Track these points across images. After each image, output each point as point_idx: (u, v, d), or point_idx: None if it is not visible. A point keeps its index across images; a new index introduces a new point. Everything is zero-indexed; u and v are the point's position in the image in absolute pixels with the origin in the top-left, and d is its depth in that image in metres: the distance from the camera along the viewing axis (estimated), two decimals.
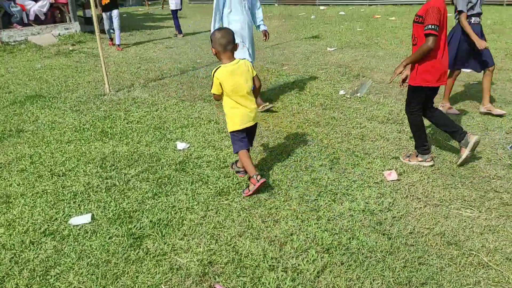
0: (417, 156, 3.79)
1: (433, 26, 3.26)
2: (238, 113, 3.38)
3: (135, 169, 3.89)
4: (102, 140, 4.69)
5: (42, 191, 3.57)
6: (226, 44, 3.23)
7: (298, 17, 17.05)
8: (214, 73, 3.31)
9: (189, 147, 4.38)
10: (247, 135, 3.50)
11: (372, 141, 4.36)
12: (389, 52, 8.96)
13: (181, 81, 7.35)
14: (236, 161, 3.80)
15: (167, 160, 4.09)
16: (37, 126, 5.29)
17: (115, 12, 10.81)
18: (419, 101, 3.61)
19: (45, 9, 12.44)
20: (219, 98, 3.44)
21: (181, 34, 13.04)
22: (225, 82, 3.28)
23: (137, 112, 5.69)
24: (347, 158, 3.97)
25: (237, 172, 3.74)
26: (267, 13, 19.11)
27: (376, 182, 3.51)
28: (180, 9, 13.64)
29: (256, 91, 3.60)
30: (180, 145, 4.41)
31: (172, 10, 13.34)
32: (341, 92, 6.09)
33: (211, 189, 3.51)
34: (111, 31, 11.32)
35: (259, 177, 3.29)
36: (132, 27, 15.45)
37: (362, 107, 5.43)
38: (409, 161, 3.81)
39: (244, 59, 3.44)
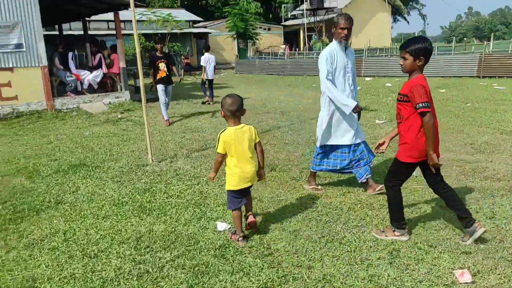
0: (394, 231, 3.68)
1: (423, 104, 3.28)
2: (236, 174, 3.63)
3: (171, 253, 3.56)
4: (139, 217, 4.43)
5: (70, 276, 3.28)
6: (235, 111, 3.60)
7: None
8: (220, 134, 3.62)
9: (230, 228, 4.04)
10: (245, 193, 3.78)
11: (436, 230, 3.86)
12: (443, 125, 8.52)
13: None
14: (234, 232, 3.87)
15: (206, 243, 3.75)
16: (76, 198, 5.15)
17: (169, 88, 10.19)
18: (402, 176, 3.67)
19: (98, 79, 13.00)
20: (222, 158, 3.66)
21: (212, 102, 13.78)
22: (229, 144, 3.57)
23: (177, 185, 5.47)
24: (409, 251, 3.47)
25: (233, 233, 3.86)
26: (312, 83, 19.28)
27: (446, 285, 2.99)
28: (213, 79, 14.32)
29: (260, 157, 3.79)
30: (221, 226, 4.08)
31: (208, 80, 13.99)
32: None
33: (253, 282, 3.10)
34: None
35: (240, 239, 3.68)
36: (179, 96, 15.86)
37: (420, 188, 4.96)
38: (386, 236, 3.69)
39: (250, 125, 3.74)
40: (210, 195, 5.01)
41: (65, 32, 21.01)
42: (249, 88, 18.94)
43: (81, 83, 12.78)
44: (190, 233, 3.96)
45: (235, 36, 35.27)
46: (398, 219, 3.65)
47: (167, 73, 9.89)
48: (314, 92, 16.03)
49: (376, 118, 9.75)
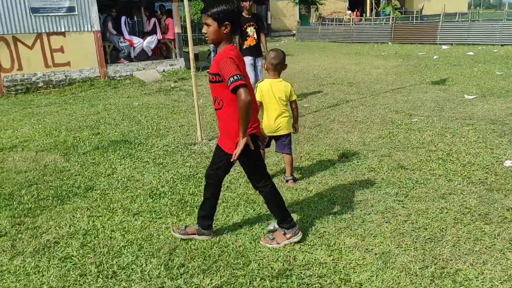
0: (284, 234, 3.01)
1: (236, 77, 2.57)
2: (265, 120, 3.93)
3: (211, 279, 2.61)
4: (177, 216, 3.54)
5: None
6: (276, 64, 3.84)
7: (417, 57, 15.21)
8: (257, 83, 3.99)
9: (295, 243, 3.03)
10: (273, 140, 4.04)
11: None
12: None
13: None
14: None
15: (259, 264, 2.77)
16: (110, 183, 4.35)
17: (260, 62, 7.34)
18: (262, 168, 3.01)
19: (152, 45, 12.26)
20: (260, 105, 3.82)
21: None
22: (264, 92, 3.86)
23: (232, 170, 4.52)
24: None
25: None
26: (381, 52, 17.53)
27: None
28: None
29: (294, 113, 4.10)
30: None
31: None
32: (507, 164, 4.34)
33: None
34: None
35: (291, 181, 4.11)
36: None
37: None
38: (278, 243, 2.99)
39: (288, 83, 3.99)
40: None
41: None
42: (311, 55, 17.55)
43: (134, 50, 12.09)
44: (239, 246, 3.00)
45: (297, 1, 33.43)
46: (284, 218, 3.01)
47: (257, 40, 7.31)
48: (384, 61, 14.42)
49: (464, 92, 8.22)
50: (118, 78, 11.70)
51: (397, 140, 5.41)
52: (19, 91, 10.40)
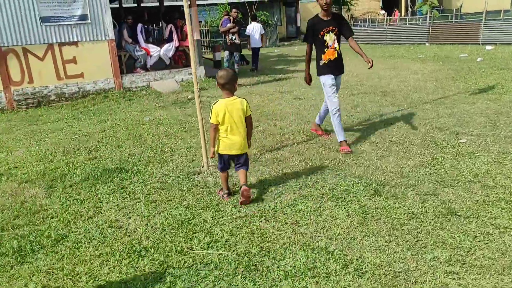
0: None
1: None
2: (223, 141, 3.92)
3: None
4: None
5: None
6: (224, 83, 3.83)
7: (459, 60, 13.91)
8: (212, 105, 3.88)
9: None
10: (233, 160, 4.03)
11: None
12: None
13: (305, 155, 5.19)
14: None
15: None
16: (86, 231, 3.56)
17: (340, 80, 5.69)
18: None
19: (170, 53, 11.58)
20: (214, 128, 3.89)
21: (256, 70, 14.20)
22: (220, 113, 3.81)
23: (230, 215, 3.66)
24: None
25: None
26: (418, 54, 16.27)
27: None
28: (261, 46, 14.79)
29: (248, 129, 4.00)
30: None
31: (253, 48, 14.42)
32: None
33: None
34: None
35: (225, 195, 4.06)
36: (261, 71, 14.01)
37: None
38: None
39: (243, 98, 3.93)
40: (275, 247, 3.11)
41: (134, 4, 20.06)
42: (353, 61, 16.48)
43: (150, 58, 11.42)
44: None
45: None
46: None
47: (339, 52, 5.38)
48: (422, 64, 13.23)
49: None
50: (134, 89, 11.06)
51: (443, 170, 4.40)
52: (30, 105, 9.90)
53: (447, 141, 5.37)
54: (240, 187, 3.92)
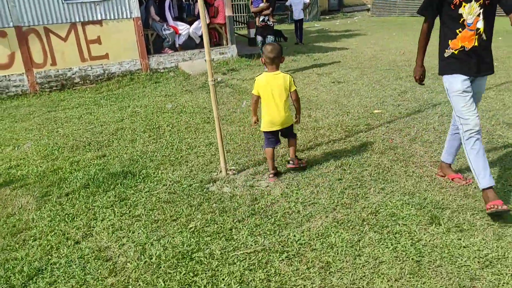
0: None
1: None
2: (266, 117, 3.89)
3: None
4: None
5: None
6: (273, 58, 3.75)
7: None
8: (256, 77, 3.90)
9: None
10: (277, 135, 3.98)
11: None
12: None
13: (343, 158, 4.32)
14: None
15: None
16: (67, 265, 2.91)
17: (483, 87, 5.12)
18: None
19: (200, 32, 10.74)
20: (255, 99, 3.91)
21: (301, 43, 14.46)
22: (261, 87, 3.82)
23: (246, 245, 2.89)
24: None
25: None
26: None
27: None
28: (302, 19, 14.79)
29: (296, 105, 3.99)
30: None
31: (296, 20, 14.75)
32: None
33: None
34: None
35: (271, 176, 3.99)
36: (298, 49, 12.97)
37: None
38: None
39: (287, 73, 3.86)
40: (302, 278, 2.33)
41: None
42: (387, 35, 15.14)
43: (179, 38, 10.66)
44: None
45: None
46: None
47: (484, 37, 3.12)
48: None
49: None
50: (161, 71, 10.39)
51: None
52: (54, 88, 9.43)
53: None
54: (288, 162, 4.14)
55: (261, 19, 8.83)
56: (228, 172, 4.23)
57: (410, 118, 5.49)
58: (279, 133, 3.98)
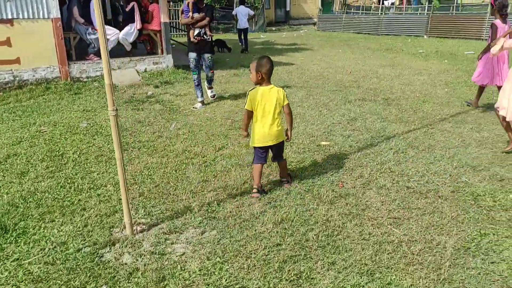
0: None
1: None
2: (260, 132, 3.72)
3: None
4: None
5: None
6: (266, 71, 3.69)
7: (466, 58, 12.25)
8: (248, 92, 3.73)
9: None
10: (268, 150, 3.84)
11: None
12: None
13: (283, 217, 3.45)
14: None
15: None
16: None
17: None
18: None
19: (131, 38, 9.61)
20: (248, 114, 3.74)
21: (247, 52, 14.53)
22: (255, 102, 3.68)
23: None
24: None
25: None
26: (417, 48, 14.55)
27: None
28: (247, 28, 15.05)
29: (287, 119, 3.83)
30: None
31: (240, 29, 14.98)
32: None
33: None
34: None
35: (254, 191, 3.75)
36: (242, 61, 12.13)
37: None
38: None
39: (281, 88, 3.80)
40: None
41: None
42: (333, 51, 14.69)
43: (107, 43, 9.45)
44: None
45: None
46: None
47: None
48: (425, 62, 11.52)
49: None
50: (84, 80, 9.13)
51: (504, 266, 2.70)
52: None
53: (493, 193, 3.68)
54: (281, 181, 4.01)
55: (195, 33, 6.82)
56: (134, 228, 3.22)
57: (362, 154, 4.74)
58: (270, 149, 3.85)
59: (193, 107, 7.02)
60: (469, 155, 4.61)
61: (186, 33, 12.59)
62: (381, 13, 23.25)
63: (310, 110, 6.71)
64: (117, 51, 9.98)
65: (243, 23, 14.89)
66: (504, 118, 4.57)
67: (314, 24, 28.48)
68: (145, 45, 10.54)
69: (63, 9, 9.38)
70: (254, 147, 3.80)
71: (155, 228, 3.25)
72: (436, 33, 18.89)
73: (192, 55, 6.97)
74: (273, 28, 28.01)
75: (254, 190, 3.76)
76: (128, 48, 9.77)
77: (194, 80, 7.13)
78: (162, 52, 10.08)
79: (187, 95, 7.94)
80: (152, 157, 4.78)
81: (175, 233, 3.18)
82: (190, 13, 6.83)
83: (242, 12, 14.92)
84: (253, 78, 3.74)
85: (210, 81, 7.47)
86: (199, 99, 7.13)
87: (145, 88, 8.69)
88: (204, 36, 6.90)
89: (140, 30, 9.71)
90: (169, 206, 3.61)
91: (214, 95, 7.49)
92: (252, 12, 15.46)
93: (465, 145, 4.93)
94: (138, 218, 3.40)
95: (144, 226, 3.28)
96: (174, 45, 13.60)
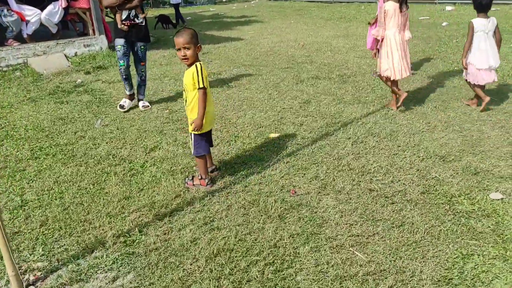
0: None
1: None
2: (210, 113, 3.30)
3: None
4: None
5: None
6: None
7: (421, 24, 11.82)
8: (200, 66, 3.14)
9: None
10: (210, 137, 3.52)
11: None
12: None
13: (219, 245, 2.76)
14: (193, 177, 3.50)
15: None
16: None
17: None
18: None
19: (55, 18, 8.47)
20: (205, 94, 3.18)
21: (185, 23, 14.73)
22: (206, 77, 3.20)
23: None
24: None
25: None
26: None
27: None
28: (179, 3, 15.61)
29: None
30: None
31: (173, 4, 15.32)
32: None
33: None
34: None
35: (209, 184, 3.39)
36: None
37: None
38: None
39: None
40: None
41: None
42: (285, 23, 13.92)
43: (26, 26, 8.29)
44: None
45: None
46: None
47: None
48: None
49: None
50: (4, 69, 7.99)
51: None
52: None
53: (467, 193, 3.12)
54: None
55: (123, 16, 5.25)
56: (26, 278, 2.44)
57: (317, 147, 4.09)
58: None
59: (120, 105, 5.60)
60: (437, 142, 4.05)
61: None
62: None
63: (259, 93, 5.99)
64: (43, 34, 8.82)
65: None
66: (388, 78, 4.82)
67: None
68: (73, 25, 9.38)
69: None
70: (202, 134, 3.31)
71: (53, 276, 2.50)
72: None
73: (120, 41, 5.37)
74: (224, 0, 26.79)
75: (208, 181, 3.40)
76: (54, 29, 8.63)
77: (120, 72, 5.56)
78: (94, 33, 8.99)
79: (121, 82, 7.01)
80: (67, 167, 3.95)
81: (79, 281, 2.44)
82: None
83: None
84: (192, 54, 3.11)
85: (141, 87, 5.71)
86: (128, 92, 5.67)
87: (74, 75, 7.67)
88: (136, 19, 5.32)
89: (66, 9, 8.57)
90: (77, 238, 2.84)
91: (146, 106, 5.63)
92: None
93: (431, 129, 4.38)
94: (33, 261, 2.62)
95: (39, 274, 2.51)
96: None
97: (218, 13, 18.77)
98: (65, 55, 8.51)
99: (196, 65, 3.14)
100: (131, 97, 5.74)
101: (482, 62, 4.69)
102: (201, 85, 3.12)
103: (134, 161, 4.01)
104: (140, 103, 5.70)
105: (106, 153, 4.24)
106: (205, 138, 3.38)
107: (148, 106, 5.65)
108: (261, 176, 3.58)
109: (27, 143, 4.60)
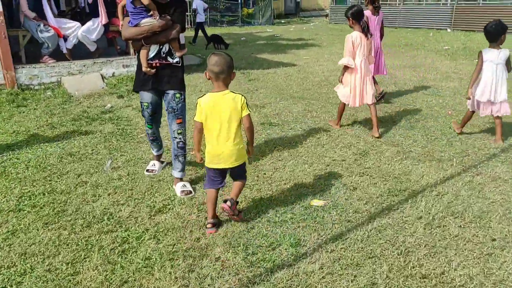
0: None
1: None
2: (211, 151, 2.99)
3: None
4: None
5: None
6: (218, 73, 2.86)
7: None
8: (199, 99, 2.96)
9: None
10: (224, 174, 3.09)
11: None
12: None
13: None
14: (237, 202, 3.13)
15: None
16: None
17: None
18: None
19: (94, 35, 7.91)
20: (200, 128, 2.96)
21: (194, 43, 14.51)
22: (208, 112, 2.91)
23: None
24: None
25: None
26: (441, 44, 12.60)
27: None
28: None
29: (248, 135, 2.99)
30: None
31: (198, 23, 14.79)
32: None
33: None
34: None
35: (208, 226, 3.03)
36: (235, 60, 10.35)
37: None
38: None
39: (239, 94, 2.92)
40: None
41: None
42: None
43: (65, 41, 7.78)
44: None
45: None
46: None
47: None
48: (453, 61, 9.66)
49: None
50: (36, 87, 7.48)
51: None
52: None
53: None
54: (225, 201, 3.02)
55: (152, 54, 3.60)
56: None
57: (374, 228, 2.98)
58: (227, 172, 3.08)
59: (146, 170, 4.11)
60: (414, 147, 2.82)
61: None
62: (399, 3, 21.20)
63: (306, 136, 4.95)
64: (81, 51, 8.31)
65: (203, 16, 15.17)
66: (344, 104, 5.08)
67: (327, 15, 26.51)
68: (114, 43, 8.82)
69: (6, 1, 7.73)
70: (207, 168, 3.05)
71: None
72: (461, 26, 16.86)
73: (146, 97, 3.77)
74: (282, 21, 26.16)
75: (209, 225, 3.02)
76: (92, 47, 8.07)
77: (147, 134, 4.11)
78: (135, 53, 8.35)
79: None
80: (48, 229, 3.09)
81: None
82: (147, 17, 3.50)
83: (200, 6, 14.94)
84: (206, 74, 2.92)
85: (178, 159, 3.77)
86: (155, 153, 4.22)
87: (106, 98, 7.01)
88: (169, 58, 3.66)
89: (106, 25, 8.00)
90: None
91: (188, 192, 3.64)
92: (206, 5, 15.91)
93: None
94: None
95: None
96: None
97: (274, 35, 18.00)
98: (102, 75, 7.91)
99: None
100: (160, 158, 4.29)
101: (484, 94, 4.51)
102: (194, 118, 2.95)
103: (131, 229, 3.09)
104: (178, 186, 3.69)
105: (102, 211, 3.36)
106: (212, 174, 3.06)
107: (191, 192, 3.64)
108: (292, 273, 2.53)
109: (19, 185, 3.83)
